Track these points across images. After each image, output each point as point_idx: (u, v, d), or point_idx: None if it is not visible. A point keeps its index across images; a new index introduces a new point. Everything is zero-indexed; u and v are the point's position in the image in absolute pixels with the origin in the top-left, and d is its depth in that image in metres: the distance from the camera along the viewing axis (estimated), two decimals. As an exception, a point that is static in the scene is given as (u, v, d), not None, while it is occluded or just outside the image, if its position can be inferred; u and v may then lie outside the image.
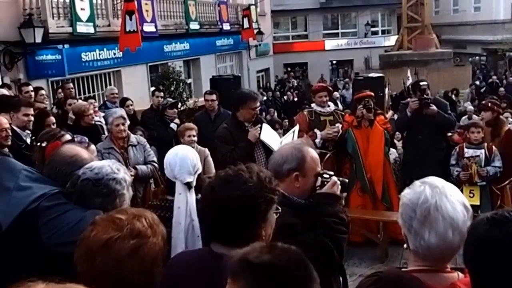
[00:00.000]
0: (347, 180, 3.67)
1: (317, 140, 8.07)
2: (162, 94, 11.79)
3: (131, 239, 2.15)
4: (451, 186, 2.34)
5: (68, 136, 4.96)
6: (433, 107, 8.71)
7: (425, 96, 8.87)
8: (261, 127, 6.79)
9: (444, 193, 2.26)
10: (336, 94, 26.28)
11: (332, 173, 3.42)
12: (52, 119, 7.41)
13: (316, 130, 8.17)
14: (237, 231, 2.44)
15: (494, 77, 28.49)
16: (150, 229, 2.22)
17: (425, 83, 9.23)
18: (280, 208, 2.62)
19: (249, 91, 7.68)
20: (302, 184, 3.30)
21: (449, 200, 2.25)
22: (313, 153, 3.40)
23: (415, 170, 8.63)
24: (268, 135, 6.87)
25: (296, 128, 7.31)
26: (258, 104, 7.02)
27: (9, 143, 5.89)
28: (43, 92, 10.62)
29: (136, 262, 2.14)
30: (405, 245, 2.38)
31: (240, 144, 6.69)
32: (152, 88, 19.98)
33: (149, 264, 2.17)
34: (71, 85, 12.00)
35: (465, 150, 8.11)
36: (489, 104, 8.65)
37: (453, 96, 21.84)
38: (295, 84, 34.22)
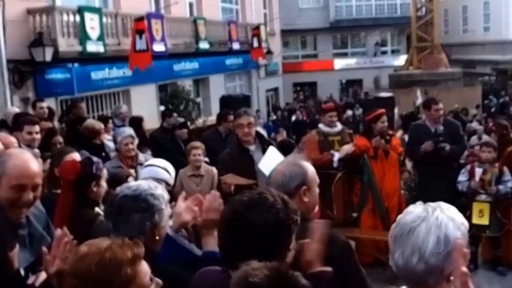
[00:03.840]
0: None
1: (335, 159, 7.99)
2: (175, 115, 11.78)
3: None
4: (446, 216, 2.20)
5: (76, 154, 4.91)
6: (447, 148, 8.43)
7: (440, 139, 8.51)
8: (264, 152, 6.16)
9: (427, 220, 2.18)
10: (349, 112, 26.14)
11: None
12: (59, 138, 7.38)
13: (332, 151, 8.08)
14: (266, 254, 2.27)
15: (507, 97, 28.37)
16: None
17: (440, 105, 8.82)
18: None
19: (243, 109, 6.77)
20: (309, 198, 3.24)
21: (426, 227, 2.15)
22: (309, 165, 3.35)
23: (426, 191, 8.50)
24: (270, 161, 5.78)
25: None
26: (245, 121, 6.30)
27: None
28: (43, 105, 10.08)
29: None
30: None
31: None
32: (162, 107, 20.06)
33: None
34: (83, 104, 11.92)
35: (476, 169, 8.05)
36: (493, 128, 8.72)
37: (463, 116, 21.79)
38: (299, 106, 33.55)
